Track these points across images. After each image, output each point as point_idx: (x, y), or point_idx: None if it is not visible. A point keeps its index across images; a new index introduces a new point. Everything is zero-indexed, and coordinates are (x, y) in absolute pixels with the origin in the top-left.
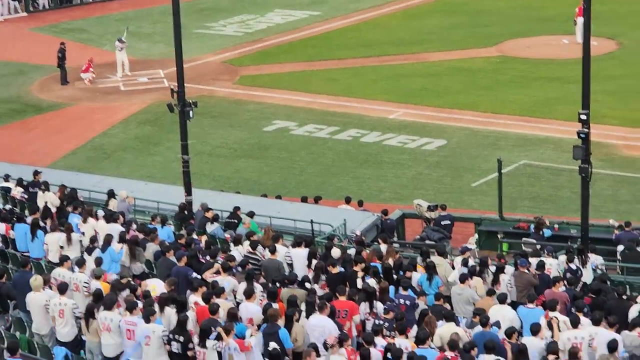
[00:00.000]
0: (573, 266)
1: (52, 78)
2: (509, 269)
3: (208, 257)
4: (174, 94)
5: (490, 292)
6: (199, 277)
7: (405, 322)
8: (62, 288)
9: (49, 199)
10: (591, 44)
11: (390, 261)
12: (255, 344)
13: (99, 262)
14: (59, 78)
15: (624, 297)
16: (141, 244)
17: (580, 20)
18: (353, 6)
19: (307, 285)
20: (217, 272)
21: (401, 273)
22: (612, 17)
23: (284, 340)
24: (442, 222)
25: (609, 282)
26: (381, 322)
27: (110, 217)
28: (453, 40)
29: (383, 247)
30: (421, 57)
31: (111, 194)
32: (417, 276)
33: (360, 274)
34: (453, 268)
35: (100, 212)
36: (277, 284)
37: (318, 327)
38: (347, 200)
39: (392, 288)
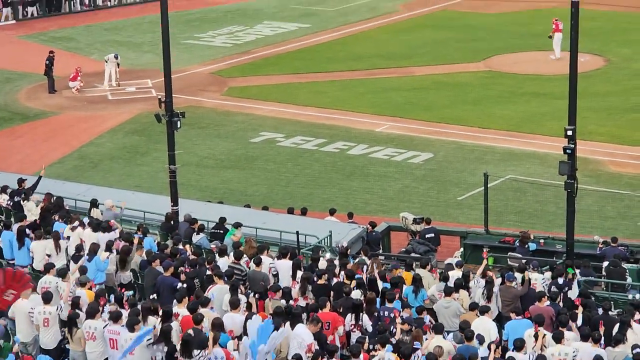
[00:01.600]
0: (560, 281)
1: (39, 86)
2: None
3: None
4: (161, 104)
5: (473, 306)
6: (184, 287)
7: (388, 335)
8: (47, 297)
9: (27, 209)
10: (579, 60)
11: (375, 273)
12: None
13: (83, 270)
14: (46, 86)
15: (610, 312)
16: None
17: (557, 35)
18: (342, 19)
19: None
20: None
21: (386, 285)
22: (600, 34)
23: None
24: (427, 235)
25: (592, 298)
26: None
27: (98, 226)
28: (441, 54)
29: (366, 259)
30: (409, 71)
31: (93, 204)
32: (403, 288)
33: (350, 284)
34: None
35: (86, 220)
36: (260, 295)
37: (297, 336)
38: (332, 212)
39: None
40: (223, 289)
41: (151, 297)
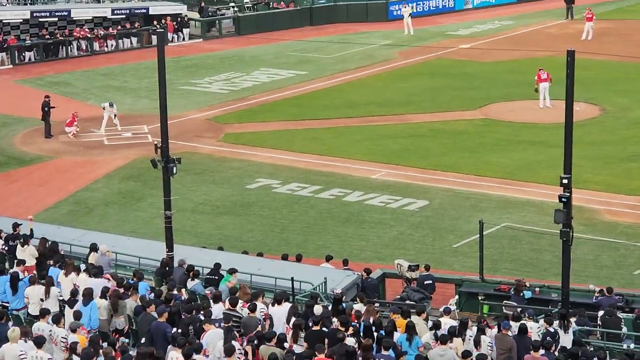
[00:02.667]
0: (551, 329)
1: (36, 131)
2: (490, 331)
3: (186, 313)
4: (157, 149)
5: (466, 354)
6: (178, 332)
7: None
8: (39, 342)
9: (28, 252)
10: (574, 109)
11: (371, 320)
12: None
13: (78, 315)
14: (42, 131)
15: None
16: (123, 298)
17: (542, 85)
18: (339, 67)
19: (285, 344)
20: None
21: (382, 332)
22: (596, 83)
23: None
24: (425, 282)
25: (588, 347)
26: None
27: (93, 272)
28: (437, 102)
29: (361, 306)
30: (405, 118)
31: (93, 248)
32: (397, 336)
33: (344, 331)
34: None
35: (82, 266)
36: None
37: None
38: (328, 259)
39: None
40: (217, 334)
41: (142, 341)
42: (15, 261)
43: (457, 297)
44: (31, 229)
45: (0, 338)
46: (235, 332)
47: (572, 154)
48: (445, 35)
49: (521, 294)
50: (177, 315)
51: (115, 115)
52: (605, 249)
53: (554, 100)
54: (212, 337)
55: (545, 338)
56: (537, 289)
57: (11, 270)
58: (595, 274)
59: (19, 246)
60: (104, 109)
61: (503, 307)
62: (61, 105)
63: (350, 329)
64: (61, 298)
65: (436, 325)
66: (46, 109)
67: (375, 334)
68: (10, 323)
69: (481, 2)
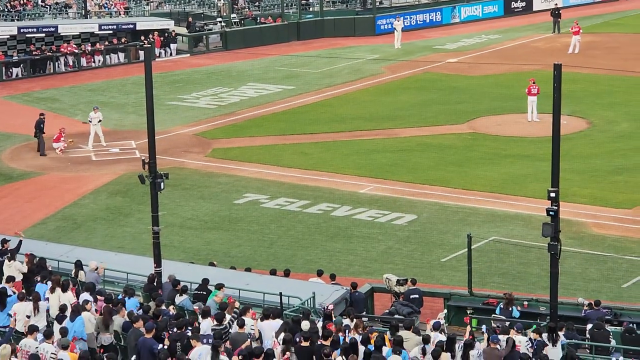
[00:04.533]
0: (540, 339)
1: (23, 147)
2: (478, 345)
3: (175, 329)
4: (145, 165)
5: None
6: (165, 348)
7: None
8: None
9: (15, 268)
10: (561, 123)
11: (358, 335)
12: None
13: (64, 332)
14: (30, 147)
15: None
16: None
17: (530, 99)
18: (326, 81)
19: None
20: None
21: (370, 347)
22: (584, 97)
23: None
24: (411, 296)
25: None
26: None
27: (84, 288)
28: (425, 116)
29: (349, 321)
30: (393, 133)
31: (79, 265)
32: (386, 350)
33: (328, 346)
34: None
35: (68, 283)
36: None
37: None
38: (319, 274)
39: None
40: (204, 350)
41: (132, 359)
42: (4, 277)
43: (445, 311)
44: (20, 241)
45: None
46: (223, 346)
47: (559, 168)
48: (433, 49)
49: (510, 308)
50: (164, 331)
51: (99, 121)
52: (593, 262)
53: (541, 113)
54: (200, 354)
55: (539, 348)
56: (525, 303)
57: None
58: (584, 287)
59: (5, 262)
60: (90, 121)
61: (491, 321)
62: (49, 121)
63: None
64: (50, 314)
65: (425, 340)
66: (41, 126)
67: (362, 348)
68: None
69: (468, 16)
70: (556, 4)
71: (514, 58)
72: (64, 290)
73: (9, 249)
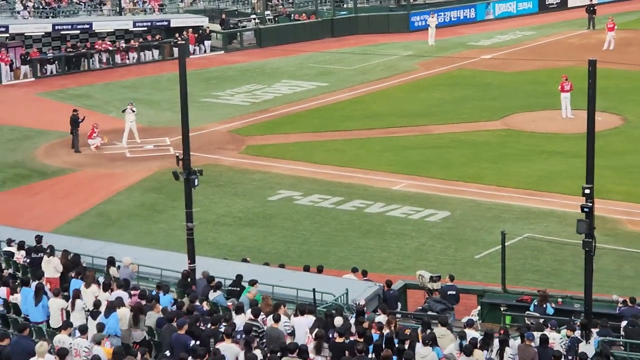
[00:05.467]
0: (574, 336)
1: (58, 143)
2: (512, 342)
3: (209, 325)
4: (179, 161)
5: None
6: (197, 344)
7: None
8: (62, 354)
9: (54, 264)
10: (596, 119)
11: (390, 331)
12: None
13: (101, 327)
14: (64, 144)
15: None
16: (144, 311)
17: (564, 95)
18: (360, 78)
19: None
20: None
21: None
22: (618, 93)
23: None
24: (448, 293)
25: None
26: None
27: (118, 285)
28: (459, 113)
29: (383, 318)
30: (426, 130)
31: (111, 261)
32: (417, 347)
33: (362, 342)
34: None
35: (102, 279)
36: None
37: None
38: (354, 270)
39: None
40: (230, 349)
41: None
42: (38, 273)
43: (479, 308)
44: (50, 246)
45: (27, 352)
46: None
47: (594, 164)
48: (467, 45)
49: (544, 305)
50: (195, 327)
51: (134, 117)
52: (627, 260)
53: (576, 110)
54: (225, 351)
55: (572, 345)
56: (559, 300)
57: (35, 283)
58: (618, 285)
59: (44, 257)
60: (123, 111)
61: (525, 318)
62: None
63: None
64: (86, 309)
65: (461, 336)
66: (78, 121)
67: (396, 345)
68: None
69: (502, 12)
70: (591, 0)
71: (548, 54)
72: (105, 289)
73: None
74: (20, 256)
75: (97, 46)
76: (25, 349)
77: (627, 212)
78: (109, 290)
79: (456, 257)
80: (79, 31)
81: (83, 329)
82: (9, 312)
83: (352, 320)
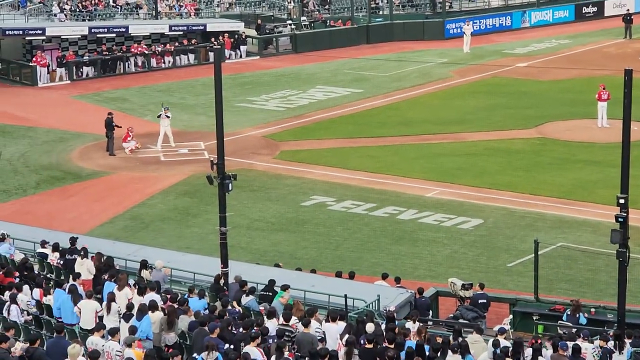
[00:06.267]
0: (607, 346)
1: (93, 146)
2: (545, 352)
3: (241, 329)
4: (213, 166)
5: None
6: (230, 348)
7: None
8: (94, 356)
9: (87, 266)
10: (632, 129)
11: (420, 339)
12: None
13: (133, 330)
14: (99, 146)
15: None
16: (177, 315)
17: (600, 104)
18: (395, 85)
19: None
20: None
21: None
22: None
23: None
24: (479, 301)
25: None
26: None
27: (147, 287)
28: (493, 120)
29: (414, 325)
30: (460, 137)
31: (143, 264)
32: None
33: (393, 348)
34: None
35: (132, 281)
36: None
37: None
38: (384, 277)
39: None
40: (252, 351)
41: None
42: (72, 275)
43: (511, 316)
44: (84, 248)
45: (62, 353)
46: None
47: (629, 174)
48: (502, 53)
49: (577, 316)
50: (227, 331)
51: (169, 121)
52: None
53: (611, 119)
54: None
55: (605, 356)
56: (592, 310)
57: (69, 284)
58: None
59: (78, 259)
60: (159, 117)
61: (558, 328)
62: (118, 121)
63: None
64: (120, 312)
65: (495, 345)
66: (112, 125)
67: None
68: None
69: (538, 20)
70: (628, 9)
71: (584, 63)
72: (140, 293)
73: (80, 247)
74: (54, 258)
75: (132, 49)
76: (62, 350)
77: None
78: (142, 295)
79: (489, 265)
80: (115, 34)
81: (113, 332)
82: (42, 313)
83: (383, 327)
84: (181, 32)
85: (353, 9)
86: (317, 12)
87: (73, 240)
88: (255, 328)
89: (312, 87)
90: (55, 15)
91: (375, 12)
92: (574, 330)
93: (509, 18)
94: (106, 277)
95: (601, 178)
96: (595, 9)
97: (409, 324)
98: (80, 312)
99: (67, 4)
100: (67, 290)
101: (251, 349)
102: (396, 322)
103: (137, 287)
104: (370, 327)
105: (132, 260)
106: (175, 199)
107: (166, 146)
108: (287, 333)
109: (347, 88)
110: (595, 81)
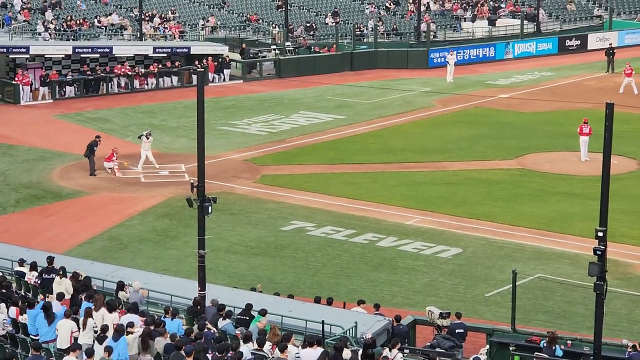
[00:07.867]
0: None
1: (73, 166)
2: None
3: (217, 353)
4: (194, 188)
5: None
6: None
7: None
8: None
9: (65, 285)
10: (612, 163)
11: None
12: None
13: (110, 350)
14: (79, 166)
15: None
16: (153, 337)
17: (582, 139)
18: (377, 112)
19: None
20: None
21: None
22: (634, 137)
23: None
24: (457, 330)
25: None
26: None
27: (127, 308)
28: (474, 150)
29: (394, 352)
30: (441, 166)
31: (120, 286)
32: None
33: None
34: None
35: (115, 304)
36: None
37: None
38: (360, 303)
39: None
40: None
41: None
42: (56, 294)
43: (487, 346)
44: (62, 267)
45: None
46: None
47: (608, 207)
48: (485, 84)
49: (553, 348)
50: (203, 355)
51: (148, 140)
52: (639, 304)
53: (591, 152)
54: None
55: None
56: (569, 342)
57: (43, 302)
58: (629, 329)
59: (56, 278)
60: (139, 137)
61: (534, 359)
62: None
63: None
64: (96, 329)
65: None
66: (94, 148)
67: None
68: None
69: (522, 52)
70: (611, 43)
71: (566, 96)
72: (110, 310)
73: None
74: (31, 276)
75: (116, 70)
76: None
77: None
78: (114, 311)
79: (466, 295)
80: (98, 55)
81: (90, 353)
82: (17, 332)
83: (360, 354)
84: (165, 54)
85: (338, 36)
86: (301, 38)
87: (51, 260)
88: (230, 352)
89: (295, 112)
90: (39, 34)
91: (359, 39)
92: None
93: (492, 49)
94: (83, 298)
95: (580, 210)
96: (578, 42)
97: (386, 352)
98: (57, 332)
99: (52, 23)
100: (41, 307)
101: None
102: (373, 349)
103: (106, 304)
104: (347, 354)
105: (109, 280)
106: (155, 221)
107: (148, 167)
108: (264, 358)
109: (330, 114)
110: (576, 114)
